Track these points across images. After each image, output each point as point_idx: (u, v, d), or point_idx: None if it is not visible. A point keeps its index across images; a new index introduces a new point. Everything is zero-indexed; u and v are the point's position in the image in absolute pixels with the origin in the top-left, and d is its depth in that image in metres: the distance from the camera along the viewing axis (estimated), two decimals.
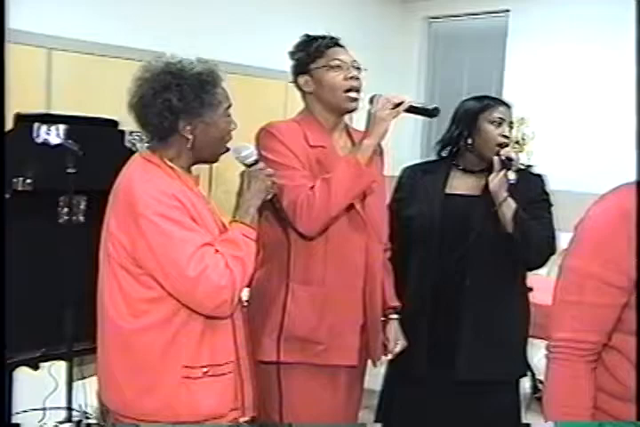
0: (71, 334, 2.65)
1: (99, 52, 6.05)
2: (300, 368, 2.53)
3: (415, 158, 8.88)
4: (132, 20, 6.56)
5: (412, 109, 2.51)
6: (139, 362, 2.07)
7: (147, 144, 2.21)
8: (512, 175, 2.67)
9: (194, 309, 2.04)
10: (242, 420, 2.30)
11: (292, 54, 2.62)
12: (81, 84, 5.88)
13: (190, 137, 2.10)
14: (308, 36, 2.62)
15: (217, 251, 2.04)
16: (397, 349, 2.82)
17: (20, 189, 2.60)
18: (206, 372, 2.10)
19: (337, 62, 2.54)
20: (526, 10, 8.13)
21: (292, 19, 7.22)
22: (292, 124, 2.57)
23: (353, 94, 2.55)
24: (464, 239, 2.76)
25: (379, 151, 2.68)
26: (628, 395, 1.70)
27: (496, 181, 2.68)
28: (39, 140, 2.62)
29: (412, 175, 3.00)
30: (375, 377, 3.15)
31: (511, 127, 2.83)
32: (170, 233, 1.98)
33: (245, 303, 2.54)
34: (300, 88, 2.61)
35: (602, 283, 1.69)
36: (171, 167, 2.12)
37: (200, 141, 2.13)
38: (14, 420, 3.08)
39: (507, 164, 2.69)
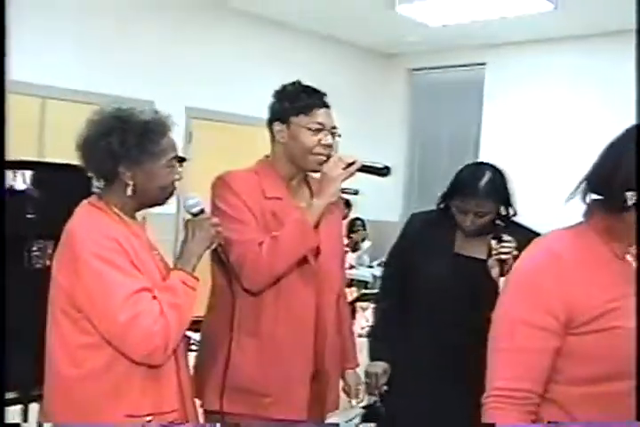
0: (27, 378, 2.52)
1: (91, 100, 6.01)
2: (245, 420, 2.37)
3: (397, 202, 8.87)
4: (120, 70, 6.57)
5: (363, 169, 2.42)
6: (81, 411, 1.95)
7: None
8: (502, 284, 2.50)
9: (126, 355, 1.91)
10: None
11: (277, 98, 2.47)
12: (74, 131, 5.83)
13: (130, 183, 2.01)
14: (300, 85, 2.48)
15: (154, 297, 1.93)
16: (360, 395, 2.73)
17: None
18: (150, 421, 1.97)
19: (318, 126, 2.40)
20: (501, 63, 8.24)
21: (283, 70, 7.21)
22: (249, 175, 2.44)
23: (321, 158, 2.41)
24: (470, 300, 2.62)
25: (338, 203, 2.58)
26: None
27: (494, 270, 2.52)
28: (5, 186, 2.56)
29: (419, 226, 2.88)
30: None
31: (480, 216, 2.62)
32: (105, 275, 1.88)
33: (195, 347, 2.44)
34: (272, 133, 2.48)
35: (530, 327, 1.59)
36: (116, 213, 2.02)
37: (140, 189, 2.03)
38: None
39: (500, 258, 2.55)
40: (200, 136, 7.20)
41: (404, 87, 9.19)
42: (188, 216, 2.17)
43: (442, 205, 2.79)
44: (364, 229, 8.37)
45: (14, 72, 6.04)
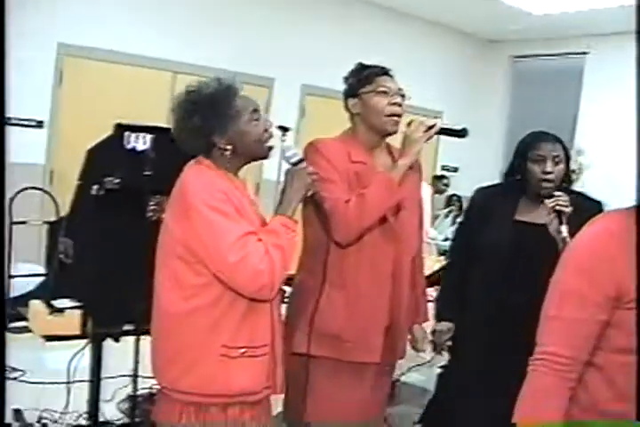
0: (141, 314, 2.69)
1: (217, 75, 6.22)
2: (328, 362, 2.48)
3: (493, 180, 8.76)
4: (247, 50, 6.77)
5: (443, 131, 2.46)
6: (185, 342, 2.08)
7: None
8: (564, 231, 2.41)
9: (238, 291, 2.03)
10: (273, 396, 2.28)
11: (345, 79, 2.57)
12: None
13: (229, 147, 2.10)
14: (361, 64, 2.58)
15: (259, 239, 2.03)
16: (425, 346, 2.79)
17: (109, 187, 2.68)
18: (244, 353, 2.08)
19: (383, 89, 2.48)
20: (601, 53, 7.95)
21: (390, 53, 7.20)
22: (336, 143, 2.52)
23: (395, 118, 2.49)
24: (528, 264, 2.63)
25: (417, 168, 2.63)
26: (598, 409, 1.63)
27: (552, 226, 2.48)
28: (128, 147, 2.71)
29: (483, 198, 2.90)
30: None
31: (556, 162, 2.60)
32: (216, 222, 1.98)
33: (287, 299, 2.54)
34: (348, 109, 2.57)
35: (581, 299, 1.61)
36: (221, 170, 2.13)
37: (239, 148, 2.12)
38: (103, 384, 3.16)
39: (558, 213, 2.53)
40: (313, 111, 7.36)
41: (506, 73, 9.04)
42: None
43: (509, 178, 2.78)
44: (461, 205, 8.32)
45: (149, 49, 6.32)
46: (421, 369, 4.31)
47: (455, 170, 6.62)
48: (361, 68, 2.57)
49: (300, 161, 2.23)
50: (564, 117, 8.30)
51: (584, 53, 8.16)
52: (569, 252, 1.71)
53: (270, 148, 2.19)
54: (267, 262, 2.00)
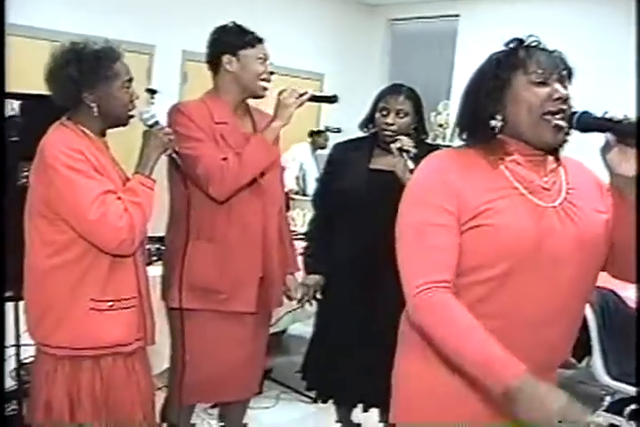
0: (21, 278, 2.66)
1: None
2: (204, 315, 2.55)
3: None
4: (122, 16, 6.63)
5: (314, 98, 2.60)
6: (53, 297, 2.12)
7: None
8: (411, 165, 2.57)
9: (99, 248, 2.08)
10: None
11: (221, 35, 2.63)
12: None
13: (93, 105, 2.14)
14: (237, 25, 2.65)
15: (119, 198, 2.08)
16: (298, 295, 2.90)
17: None
18: (111, 305, 2.14)
19: (263, 55, 2.60)
20: (472, 15, 8.18)
21: (272, 20, 7.16)
22: (199, 103, 2.60)
23: (266, 84, 2.61)
24: (385, 209, 2.74)
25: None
26: None
27: (399, 166, 2.65)
28: None
29: (340, 151, 3.02)
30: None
31: (400, 115, 2.78)
32: (74, 181, 2.02)
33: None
34: (217, 66, 2.62)
35: (435, 226, 1.62)
36: (82, 131, 2.15)
37: (103, 109, 2.15)
38: None
39: (403, 152, 2.66)
40: (194, 76, 7.29)
41: (385, 36, 9.18)
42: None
43: (364, 129, 2.92)
44: None
45: (25, 18, 6.05)
46: (307, 321, 4.43)
47: (338, 131, 6.69)
48: (240, 29, 2.63)
49: (156, 123, 2.28)
50: (441, 77, 8.50)
51: (456, 16, 8.36)
52: (408, 190, 1.75)
53: (131, 116, 2.25)
54: (126, 219, 2.06)
